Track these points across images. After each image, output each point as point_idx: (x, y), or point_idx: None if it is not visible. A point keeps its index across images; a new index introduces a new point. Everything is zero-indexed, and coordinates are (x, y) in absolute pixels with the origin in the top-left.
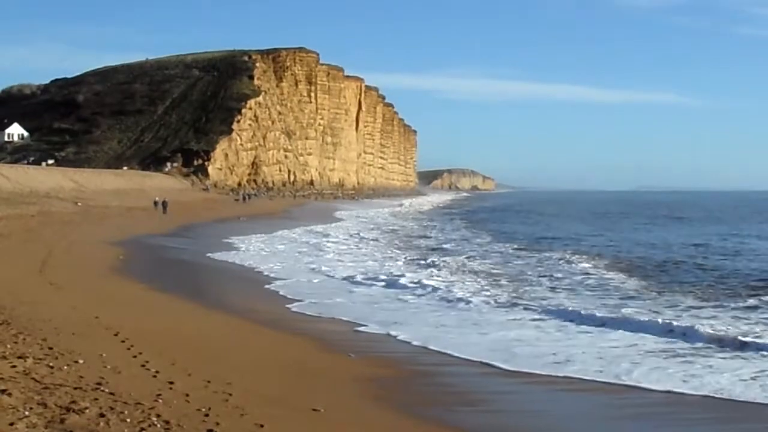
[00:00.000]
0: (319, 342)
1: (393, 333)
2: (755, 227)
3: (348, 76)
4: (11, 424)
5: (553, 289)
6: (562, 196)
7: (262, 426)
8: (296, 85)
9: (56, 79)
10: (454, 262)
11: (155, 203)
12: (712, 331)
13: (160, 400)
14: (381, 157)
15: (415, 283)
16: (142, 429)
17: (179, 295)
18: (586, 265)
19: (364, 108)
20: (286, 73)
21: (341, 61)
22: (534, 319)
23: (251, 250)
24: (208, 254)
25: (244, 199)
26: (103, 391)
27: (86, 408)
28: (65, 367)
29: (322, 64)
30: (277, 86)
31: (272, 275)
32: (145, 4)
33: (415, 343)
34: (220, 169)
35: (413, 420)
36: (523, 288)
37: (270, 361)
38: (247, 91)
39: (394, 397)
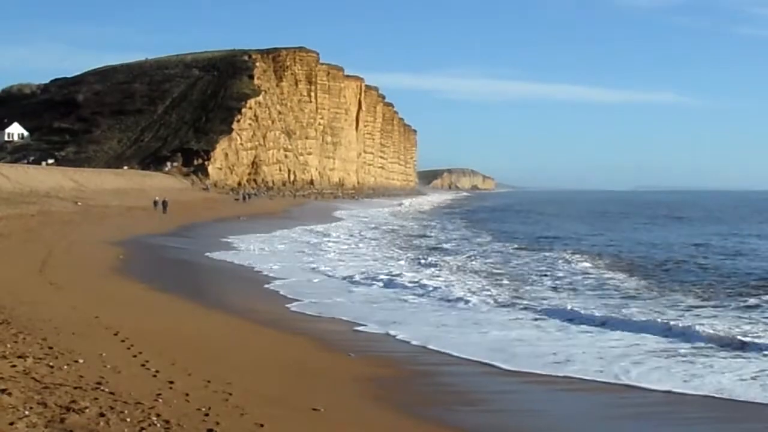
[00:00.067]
0: (318, 342)
1: (393, 333)
2: (755, 227)
3: (348, 76)
4: (11, 423)
5: (553, 288)
6: (562, 196)
7: (262, 426)
8: (296, 84)
9: (56, 79)
10: (454, 262)
11: (155, 203)
12: (712, 331)
13: (160, 400)
14: (381, 157)
15: (415, 282)
16: (142, 428)
17: (179, 294)
18: (587, 264)
19: (364, 107)
20: (286, 73)
21: (341, 60)
22: (534, 319)
23: (251, 249)
24: (208, 254)
25: (244, 198)
26: (103, 390)
27: (86, 407)
28: (65, 367)
29: (322, 64)
30: (277, 86)
31: (272, 275)
32: (145, 4)
33: (414, 342)
34: (220, 169)
35: (413, 420)
36: (523, 288)
37: (270, 361)
38: (247, 90)
39: (394, 397)
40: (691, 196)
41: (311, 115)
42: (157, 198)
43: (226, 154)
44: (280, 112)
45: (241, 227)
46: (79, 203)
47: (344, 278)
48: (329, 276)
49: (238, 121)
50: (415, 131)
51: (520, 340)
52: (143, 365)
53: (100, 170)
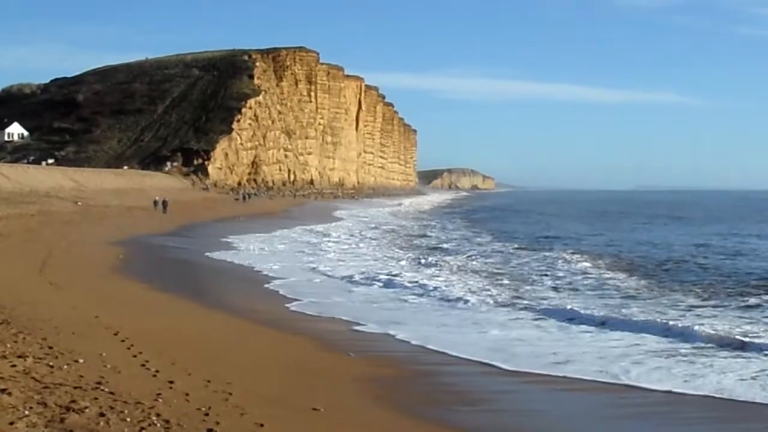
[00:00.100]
0: (318, 341)
1: (393, 332)
2: (755, 227)
3: (348, 76)
4: (11, 423)
5: (553, 288)
6: (562, 196)
7: (262, 425)
8: (296, 84)
9: (56, 79)
10: (454, 262)
11: (155, 203)
12: (712, 331)
13: (160, 400)
14: (381, 157)
15: (415, 282)
16: (142, 428)
17: (179, 294)
18: (587, 264)
19: (364, 107)
20: (286, 73)
21: (341, 60)
22: (534, 319)
23: (251, 249)
24: (208, 254)
25: (244, 198)
26: (103, 390)
27: (86, 407)
28: (65, 367)
29: (322, 64)
30: (277, 86)
31: (271, 275)
32: (145, 4)
33: (414, 342)
34: (220, 169)
35: (413, 419)
36: (523, 287)
37: (270, 361)
38: (247, 90)
39: (394, 397)
40: (691, 195)
41: (311, 114)
42: (157, 198)
43: (226, 154)
44: (280, 112)
45: (241, 227)
46: (79, 203)
47: (344, 278)
48: (329, 276)
49: (238, 120)
50: (415, 131)
51: (520, 340)
52: (143, 365)
53: (100, 170)
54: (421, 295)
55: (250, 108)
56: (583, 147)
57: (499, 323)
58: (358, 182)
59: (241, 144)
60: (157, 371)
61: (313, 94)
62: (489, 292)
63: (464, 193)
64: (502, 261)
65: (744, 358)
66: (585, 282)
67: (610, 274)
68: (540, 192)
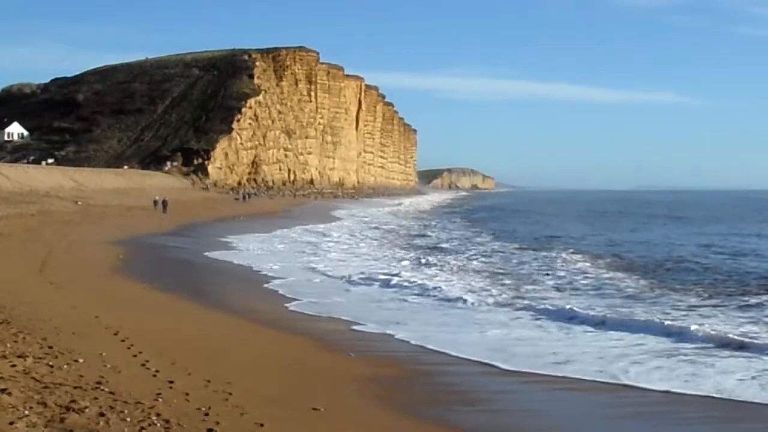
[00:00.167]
0: (318, 341)
1: (393, 332)
2: (755, 226)
3: (348, 75)
4: (11, 423)
5: (553, 288)
6: (562, 196)
7: (262, 425)
8: (296, 84)
9: (56, 78)
10: (454, 262)
11: (155, 202)
12: (712, 331)
13: (160, 400)
14: (381, 156)
15: (415, 282)
16: (142, 428)
17: (179, 294)
18: (586, 264)
19: (364, 107)
20: (286, 72)
21: (341, 60)
22: (534, 319)
23: (250, 249)
24: (208, 254)
25: (244, 198)
26: (102, 390)
27: (86, 407)
28: (65, 367)
29: (322, 63)
30: (277, 85)
31: (271, 274)
32: (145, 4)
33: (414, 342)
34: (220, 168)
35: (413, 419)
36: (523, 287)
37: (270, 361)
38: (247, 90)
39: (394, 397)
40: (691, 195)
41: (311, 114)
42: (157, 197)
43: (226, 154)
44: (280, 112)
45: (241, 227)
46: (79, 203)
47: (344, 278)
48: (329, 276)
49: (238, 120)
50: (415, 131)
51: (520, 340)
52: (143, 365)
53: (100, 170)
54: (420, 295)
55: (250, 108)
56: (583, 147)
57: (499, 323)
58: (358, 182)
59: (241, 144)
60: (157, 371)
61: (313, 93)
62: (489, 292)
63: (464, 193)
64: (502, 261)
65: (744, 358)
66: (585, 282)
67: (610, 274)
68: (540, 192)
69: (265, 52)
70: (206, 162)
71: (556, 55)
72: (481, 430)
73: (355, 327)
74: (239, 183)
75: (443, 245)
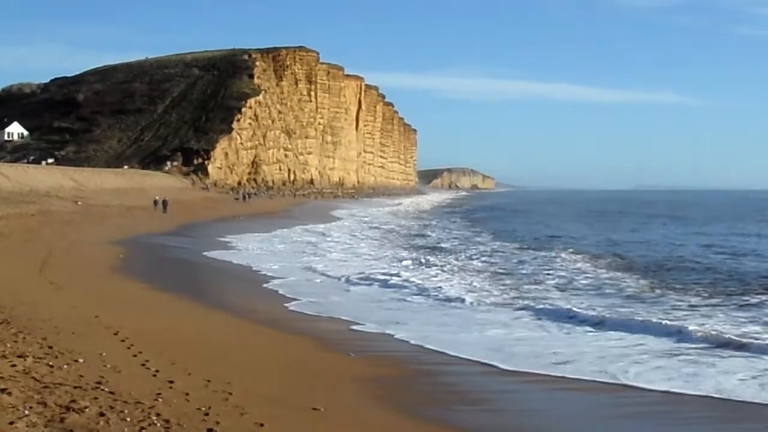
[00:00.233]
0: (318, 341)
1: (392, 332)
2: (755, 226)
3: (348, 75)
4: (11, 423)
5: (553, 288)
6: (562, 195)
7: (262, 425)
8: (296, 84)
9: (56, 78)
10: (453, 261)
11: (155, 202)
12: (712, 331)
13: (160, 399)
14: (381, 156)
15: (415, 282)
16: (142, 428)
17: (179, 294)
18: (586, 264)
19: (364, 107)
20: (286, 72)
21: (341, 60)
22: (534, 319)
23: (250, 249)
24: (208, 253)
25: (244, 198)
26: (102, 390)
27: (86, 407)
28: (65, 366)
29: (322, 63)
30: (277, 85)
31: (271, 274)
32: (145, 4)
33: (414, 342)
34: (220, 168)
35: (413, 419)
36: (523, 287)
37: (270, 361)
38: (247, 90)
39: (394, 397)
40: (691, 195)
41: (311, 114)
42: (157, 197)
43: (226, 154)
44: (280, 112)
45: (240, 227)
46: (79, 203)
47: (344, 278)
48: (328, 275)
49: (238, 120)
50: (415, 131)
51: (520, 340)
52: (143, 365)
53: (100, 170)
54: (420, 295)
55: (250, 107)
56: (583, 147)
57: (499, 323)
58: (358, 182)
59: (241, 143)
60: (157, 371)
61: (313, 93)
62: (489, 292)
63: (464, 193)
64: (502, 261)
65: (744, 358)
66: (585, 282)
67: (609, 274)
68: (540, 192)
69: (265, 52)
70: (206, 162)
71: (556, 55)
72: (481, 430)
73: (355, 327)
74: (239, 183)
75: (443, 245)
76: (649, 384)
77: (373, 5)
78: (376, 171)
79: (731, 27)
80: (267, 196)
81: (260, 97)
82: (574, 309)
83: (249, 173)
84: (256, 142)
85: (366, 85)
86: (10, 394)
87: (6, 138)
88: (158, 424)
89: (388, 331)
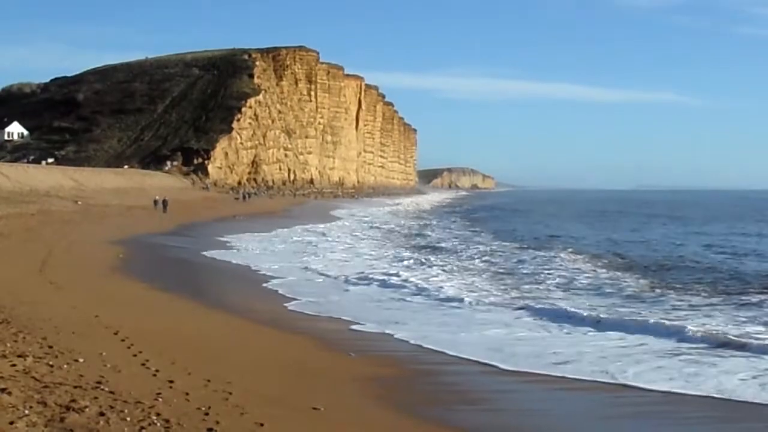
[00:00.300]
0: (318, 341)
1: (392, 332)
2: (755, 226)
3: (348, 75)
4: (11, 422)
5: (553, 288)
6: (562, 195)
7: (262, 425)
8: (296, 83)
9: (56, 78)
10: (453, 261)
11: (155, 202)
12: (712, 331)
13: (160, 399)
14: (381, 156)
15: (415, 281)
16: (142, 428)
17: (179, 294)
18: (587, 264)
19: (364, 107)
20: (286, 72)
21: (341, 59)
22: (534, 319)
23: (250, 249)
24: (208, 253)
25: (244, 197)
26: (102, 389)
27: (86, 407)
28: (65, 366)
29: (322, 63)
30: (277, 85)
31: (270, 274)
32: (145, 4)
33: (414, 342)
34: (220, 168)
35: (414, 419)
36: (523, 287)
37: (269, 360)
38: (247, 89)
39: (394, 396)
40: (691, 195)
41: (311, 114)
42: (157, 197)
43: (226, 154)
44: (280, 111)
45: (241, 226)
46: (79, 202)
47: (343, 277)
48: (328, 275)
49: (238, 120)
50: (415, 130)
51: (520, 340)
52: (143, 364)
53: (100, 169)
54: (420, 295)
55: (250, 107)
56: (583, 147)
57: (498, 323)
58: (358, 181)
59: (241, 143)
60: (157, 371)
61: (313, 93)
62: (488, 292)
63: (464, 193)
64: (501, 260)
65: (745, 357)
66: (585, 282)
67: (610, 274)
68: (540, 191)
69: (265, 52)
70: (206, 162)
71: (556, 55)
72: (482, 430)
73: (355, 327)
74: (239, 183)
75: (443, 245)
76: (650, 384)
77: (373, 5)
78: (376, 171)
79: (731, 27)
80: (267, 195)
81: (260, 97)
82: (575, 309)
83: (249, 173)
84: (256, 142)
85: (366, 85)
86: (10, 393)
87: (6, 138)
88: (158, 424)
89: (387, 331)
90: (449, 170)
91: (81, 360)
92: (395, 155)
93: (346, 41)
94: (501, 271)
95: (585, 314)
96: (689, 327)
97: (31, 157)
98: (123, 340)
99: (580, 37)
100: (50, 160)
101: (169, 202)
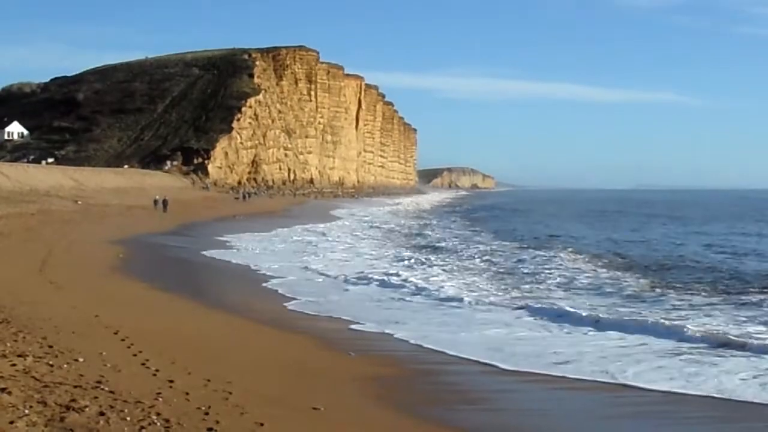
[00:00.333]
0: (318, 340)
1: (392, 332)
2: (755, 226)
3: (348, 75)
4: (11, 422)
5: (553, 288)
6: (562, 195)
7: (261, 425)
8: (296, 83)
9: (56, 78)
10: (453, 261)
11: (155, 202)
12: (713, 331)
13: (160, 399)
14: (381, 156)
15: (414, 281)
16: (142, 427)
17: (179, 294)
18: (587, 264)
19: (364, 106)
20: (286, 72)
21: (341, 59)
22: (534, 319)
23: (250, 248)
24: (208, 253)
25: (244, 197)
26: (102, 389)
27: (86, 406)
28: (65, 366)
29: (322, 63)
30: (277, 84)
31: (270, 273)
32: (145, 4)
33: (414, 341)
34: (220, 168)
35: (414, 419)
36: (523, 287)
37: (269, 360)
38: (247, 89)
39: (394, 396)
40: (691, 195)
41: (311, 113)
42: (157, 197)
43: (226, 153)
44: (280, 111)
45: (241, 226)
46: (79, 202)
47: (343, 277)
48: (328, 275)
49: (238, 119)
50: (415, 130)
51: (520, 340)
52: (143, 364)
53: (100, 169)
54: (420, 294)
55: (250, 107)
56: (583, 146)
57: (498, 322)
58: (358, 181)
59: (241, 143)
60: (157, 370)
61: (313, 93)
62: (488, 291)
63: (464, 192)
64: (501, 260)
65: (745, 357)
66: (585, 281)
67: (610, 274)
68: (540, 191)
69: (265, 52)
70: (206, 161)
71: (556, 55)
72: (482, 430)
73: (355, 326)
74: (239, 182)
75: (443, 244)
76: (650, 384)
77: (373, 5)
78: (376, 170)
79: (731, 27)
80: (267, 195)
81: (260, 97)
82: (575, 308)
83: (249, 173)
84: (256, 142)
85: (366, 85)
86: (10, 393)
87: (6, 137)
88: (158, 424)
89: (387, 331)
90: (449, 170)
91: (81, 360)
92: (395, 155)
93: (346, 41)
94: (501, 270)
95: (585, 314)
96: (689, 327)
97: (31, 157)
98: (123, 340)
99: (580, 37)
100: (50, 160)
101: (169, 202)
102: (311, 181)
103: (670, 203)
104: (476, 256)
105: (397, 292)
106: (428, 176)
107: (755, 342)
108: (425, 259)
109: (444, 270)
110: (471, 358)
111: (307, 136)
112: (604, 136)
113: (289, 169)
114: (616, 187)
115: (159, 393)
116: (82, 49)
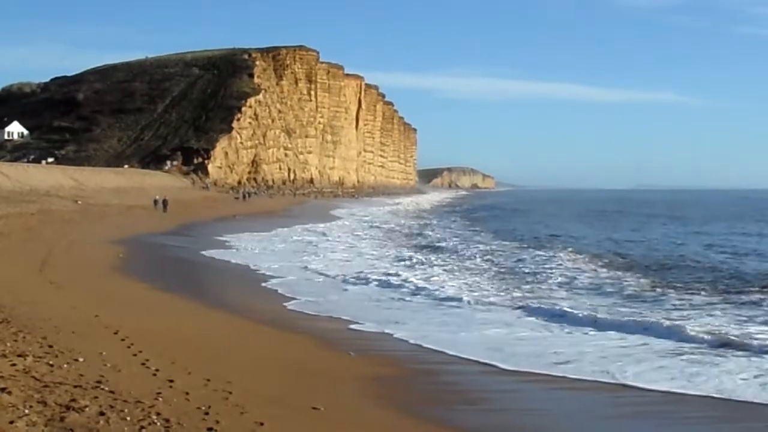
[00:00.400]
0: (318, 340)
1: (392, 332)
2: (755, 226)
3: (348, 75)
4: (11, 422)
5: (553, 288)
6: (561, 195)
7: (262, 424)
8: (296, 83)
9: (56, 78)
10: (453, 261)
11: (155, 202)
12: (713, 331)
13: (160, 399)
14: (381, 156)
15: (414, 281)
16: (142, 427)
17: (179, 294)
18: (587, 264)
19: (364, 106)
20: (286, 72)
21: (341, 59)
22: (534, 318)
23: (250, 248)
24: (208, 253)
25: (244, 197)
26: (102, 389)
27: (86, 406)
28: (65, 366)
29: (322, 63)
30: (277, 84)
31: (270, 273)
32: (145, 4)
33: (414, 341)
34: (220, 168)
35: (414, 419)
36: (523, 287)
37: (269, 360)
38: (247, 89)
39: (394, 396)
40: (691, 195)
41: (311, 113)
42: (157, 197)
43: (226, 153)
44: (280, 111)
45: (240, 226)
46: (79, 202)
47: (343, 277)
48: (328, 275)
49: (238, 119)
50: (415, 130)
51: (520, 340)
52: (143, 364)
53: (100, 169)
54: (420, 294)
55: (250, 107)
56: (583, 146)
57: (498, 322)
58: (358, 181)
59: (241, 143)
60: (157, 370)
61: (313, 92)
62: (488, 291)
63: (464, 192)
64: (501, 260)
65: (744, 357)
66: (585, 281)
67: (610, 273)
68: (540, 191)
69: (265, 52)
70: (206, 161)
71: (556, 55)
72: (482, 430)
73: (354, 326)
74: (239, 182)
75: (443, 244)
76: (650, 384)
77: (373, 5)
78: (376, 170)
79: (731, 27)
80: (267, 195)
81: (260, 97)
82: (575, 308)
83: (249, 172)
84: (256, 142)
85: (366, 85)
86: (10, 393)
87: (6, 137)
88: (158, 423)
89: (387, 331)
90: (449, 170)
91: (81, 359)
92: (395, 155)
93: (346, 41)
94: (501, 270)
95: (585, 314)
96: (690, 326)
97: (31, 157)
98: (123, 340)
99: (580, 37)
100: (50, 160)
101: (169, 202)
102: (311, 180)
103: (670, 203)
104: (477, 256)
105: (396, 292)
106: (428, 176)
107: (756, 342)
108: (425, 259)
109: (444, 270)
110: (471, 358)
111: (307, 136)
112: (604, 136)
113: (289, 169)
114: (616, 187)
115: (159, 393)
116: (82, 49)
